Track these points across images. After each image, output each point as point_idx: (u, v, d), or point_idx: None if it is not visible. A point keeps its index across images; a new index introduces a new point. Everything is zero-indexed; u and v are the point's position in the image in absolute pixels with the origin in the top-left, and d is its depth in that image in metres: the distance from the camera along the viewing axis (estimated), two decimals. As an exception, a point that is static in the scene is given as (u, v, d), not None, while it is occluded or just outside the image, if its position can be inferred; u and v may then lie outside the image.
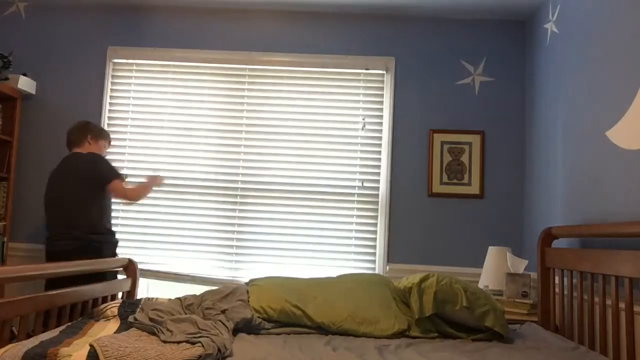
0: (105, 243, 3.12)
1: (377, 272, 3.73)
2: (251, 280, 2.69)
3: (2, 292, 3.57)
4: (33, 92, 3.86)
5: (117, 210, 3.83)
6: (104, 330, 2.15)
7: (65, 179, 3.12)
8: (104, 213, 3.18)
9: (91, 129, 3.29)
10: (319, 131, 3.84)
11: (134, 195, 3.24)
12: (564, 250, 2.61)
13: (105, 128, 3.89)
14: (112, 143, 3.88)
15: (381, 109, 3.85)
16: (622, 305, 2.23)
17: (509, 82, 3.83)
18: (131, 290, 3.04)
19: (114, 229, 3.29)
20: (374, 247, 3.76)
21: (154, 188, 3.41)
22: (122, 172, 3.66)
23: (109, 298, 2.83)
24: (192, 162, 3.85)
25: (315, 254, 3.77)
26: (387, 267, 3.70)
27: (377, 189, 3.80)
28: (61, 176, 3.15)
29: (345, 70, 3.87)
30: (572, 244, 2.86)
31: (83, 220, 3.06)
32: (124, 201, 3.32)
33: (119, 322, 2.30)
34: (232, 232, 3.79)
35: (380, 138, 3.83)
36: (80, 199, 3.08)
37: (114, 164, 3.29)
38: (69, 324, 2.23)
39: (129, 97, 3.92)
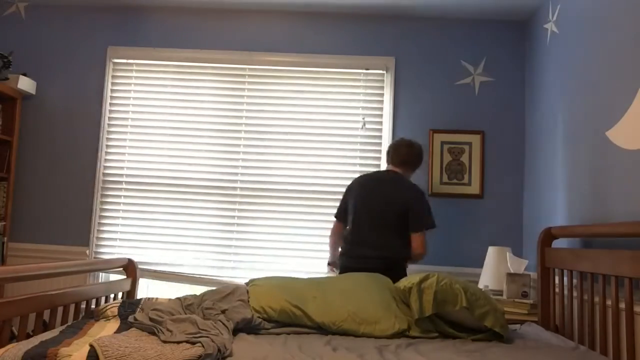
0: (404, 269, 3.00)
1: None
2: (251, 280, 2.69)
3: (2, 292, 3.57)
4: (33, 92, 3.86)
5: (117, 210, 3.84)
6: (104, 330, 2.15)
7: (387, 200, 2.99)
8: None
9: (420, 160, 3.14)
10: (319, 131, 3.84)
11: (423, 254, 2.99)
12: (564, 250, 2.61)
13: (105, 128, 3.90)
14: (114, 144, 3.90)
15: (381, 109, 3.85)
16: (622, 305, 2.23)
17: (509, 82, 3.83)
18: (131, 290, 3.04)
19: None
20: (374, 247, 3.75)
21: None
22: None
23: (109, 298, 2.83)
24: (192, 162, 3.85)
25: (315, 254, 3.77)
26: (387, 267, 3.70)
27: (377, 189, 3.79)
28: (383, 195, 3.00)
29: (345, 70, 3.87)
30: (572, 244, 2.86)
31: (395, 247, 2.97)
32: (413, 255, 2.99)
33: (119, 322, 2.30)
34: (232, 232, 3.79)
35: (380, 138, 3.83)
36: (396, 227, 2.97)
37: None
38: (69, 324, 2.23)
39: (129, 97, 3.92)
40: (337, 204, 3.76)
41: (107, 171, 3.88)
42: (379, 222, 3.00)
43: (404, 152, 3.11)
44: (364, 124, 3.72)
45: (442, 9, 3.76)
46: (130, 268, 3.06)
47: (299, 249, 3.77)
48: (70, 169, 3.86)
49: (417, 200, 2.98)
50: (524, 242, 3.69)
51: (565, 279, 2.77)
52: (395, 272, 2.95)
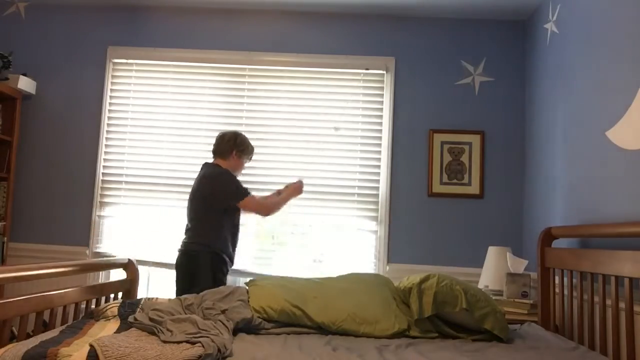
0: (205, 254, 2.99)
1: (377, 272, 3.73)
2: (251, 281, 2.69)
3: (2, 292, 3.57)
4: (33, 92, 3.86)
5: (117, 210, 3.84)
6: (104, 330, 2.15)
7: (195, 189, 3.10)
8: (219, 235, 3.02)
9: (239, 144, 3.17)
10: (319, 131, 3.84)
11: (268, 209, 3.10)
12: (564, 250, 2.61)
13: (105, 128, 3.90)
14: (114, 144, 3.90)
15: (381, 109, 3.85)
16: (622, 305, 2.23)
17: (509, 82, 3.83)
18: (131, 290, 3.04)
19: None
20: (374, 247, 3.76)
21: (293, 198, 3.23)
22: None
23: (110, 298, 2.83)
24: (192, 162, 3.85)
25: (315, 253, 3.76)
26: (387, 267, 3.70)
27: (377, 189, 3.80)
28: (194, 184, 3.13)
29: (345, 70, 3.87)
30: (572, 244, 2.86)
31: (193, 234, 3.03)
32: (258, 215, 3.15)
33: (119, 322, 2.30)
34: (232, 232, 3.79)
35: (380, 138, 3.83)
36: (197, 214, 3.06)
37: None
38: (69, 324, 2.23)
39: (128, 97, 3.92)
40: (337, 202, 3.78)
41: (107, 171, 3.88)
42: (188, 213, 3.10)
43: (215, 144, 3.19)
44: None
45: (442, 9, 3.76)
46: (130, 268, 3.06)
47: (298, 247, 3.76)
48: (70, 168, 3.86)
49: (218, 182, 3.03)
50: (524, 242, 3.69)
51: (565, 279, 2.77)
52: (190, 259, 2.98)
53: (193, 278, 2.93)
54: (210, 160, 3.23)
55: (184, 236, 3.10)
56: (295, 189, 3.24)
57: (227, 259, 3.04)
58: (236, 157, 3.17)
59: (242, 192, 3.05)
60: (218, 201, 3.02)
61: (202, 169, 3.17)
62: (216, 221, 3.01)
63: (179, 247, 3.07)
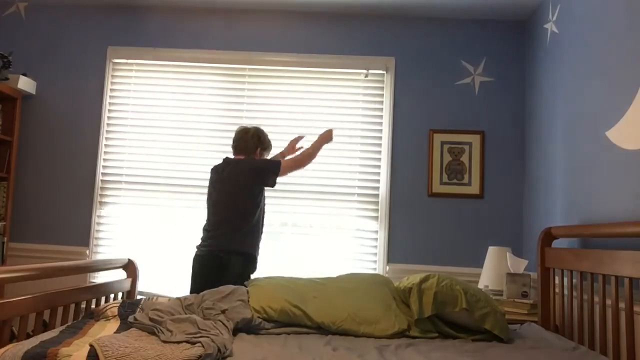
0: (236, 258, 2.91)
1: (377, 272, 3.73)
2: (251, 280, 2.69)
3: (2, 292, 3.57)
4: (33, 92, 3.86)
5: (117, 210, 3.84)
6: (104, 330, 2.15)
7: (226, 187, 2.99)
8: (252, 236, 2.97)
9: (262, 142, 3.14)
10: (319, 131, 3.83)
11: (303, 163, 3.12)
12: (564, 250, 2.61)
13: (105, 128, 3.90)
14: (114, 144, 3.90)
15: (381, 109, 3.85)
16: (622, 305, 2.23)
17: (509, 82, 3.83)
18: (131, 290, 3.04)
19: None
20: (374, 247, 3.76)
21: (325, 145, 3.29)
22: (122, 172, 3.70)
23: (110, 298, 2.83)
24: (192, 162, 3.85)
25: (315, 253, 3.77)
26: (387, 267, 3.70)
27: (377, 189, 3.80)
28: (222, 182, 3.01)
29: (345, 70, 3.87)
30: (572, 244, 2.86)
31: (224, 238, 2.92)
32: (300, 167, 3.15)
33: (119, 322, 2.30)
34: (232, 232, 3.78)
35: (380, 138, 3.83)
36: (228, 214, 2.95)
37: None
38: (69, 324, 2.23)
39: (128, 97, 3.92)
40: (337, 202, 3.78)
41: (106, 171, 3.88)
42: (217, 214, 2.98)
43: (237, 138, 3.13)
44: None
45: (442, 9, 3.76)
46: (130, 268, 3.06)
47: (298, 247, 3.76)
48: (70, 168, 3.86)
49: (253, 162, 3.01)
50: (524, 242, 3.69)
51: (565, 279, 2.77)
52: (218, 262, 2.89)
53: (217, 280, 2.82)
54: (230, 156, 3.15)
55: (207, 235, 2.96)
56: (325, 137, 3.25)
57: (255, 259, 3.01)
58: (259, 155, 3.14)
59: (275, 163, 3.04)
60: (262, 182, 2.99)
61: (225, 165, 3.05)
62: (250, 220, 2.94)
63: (202, 246, 2.95)
